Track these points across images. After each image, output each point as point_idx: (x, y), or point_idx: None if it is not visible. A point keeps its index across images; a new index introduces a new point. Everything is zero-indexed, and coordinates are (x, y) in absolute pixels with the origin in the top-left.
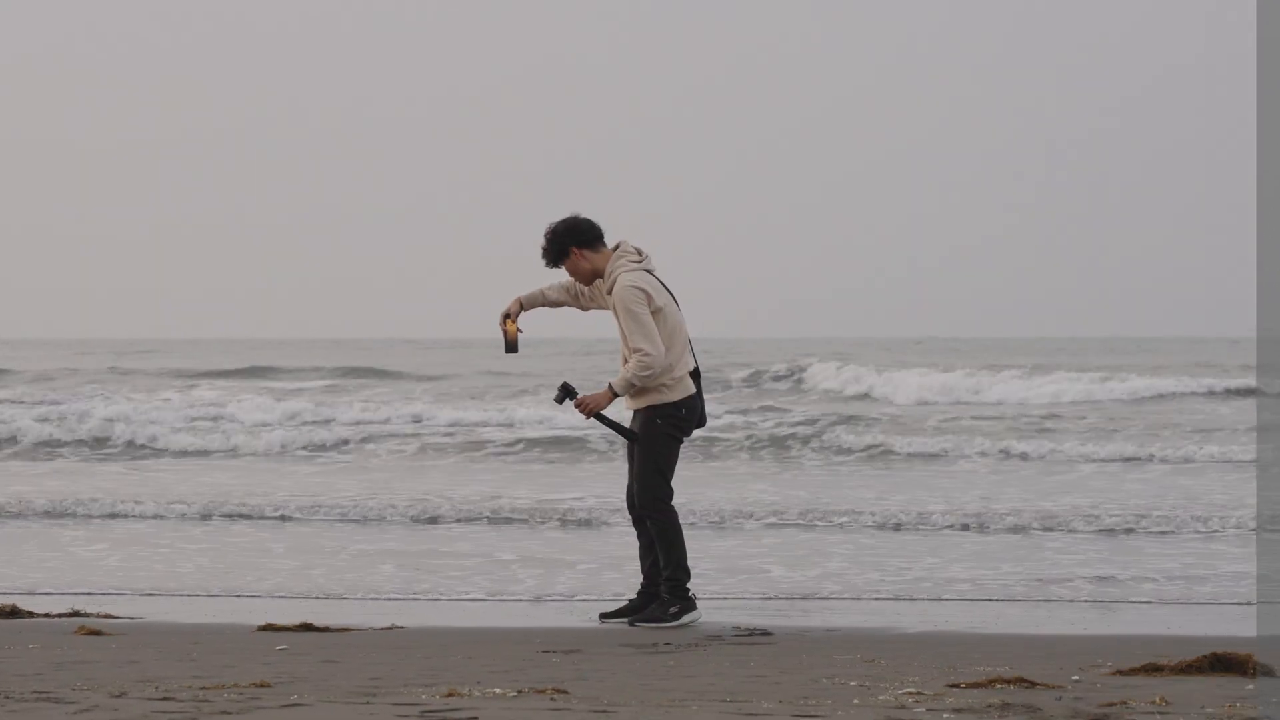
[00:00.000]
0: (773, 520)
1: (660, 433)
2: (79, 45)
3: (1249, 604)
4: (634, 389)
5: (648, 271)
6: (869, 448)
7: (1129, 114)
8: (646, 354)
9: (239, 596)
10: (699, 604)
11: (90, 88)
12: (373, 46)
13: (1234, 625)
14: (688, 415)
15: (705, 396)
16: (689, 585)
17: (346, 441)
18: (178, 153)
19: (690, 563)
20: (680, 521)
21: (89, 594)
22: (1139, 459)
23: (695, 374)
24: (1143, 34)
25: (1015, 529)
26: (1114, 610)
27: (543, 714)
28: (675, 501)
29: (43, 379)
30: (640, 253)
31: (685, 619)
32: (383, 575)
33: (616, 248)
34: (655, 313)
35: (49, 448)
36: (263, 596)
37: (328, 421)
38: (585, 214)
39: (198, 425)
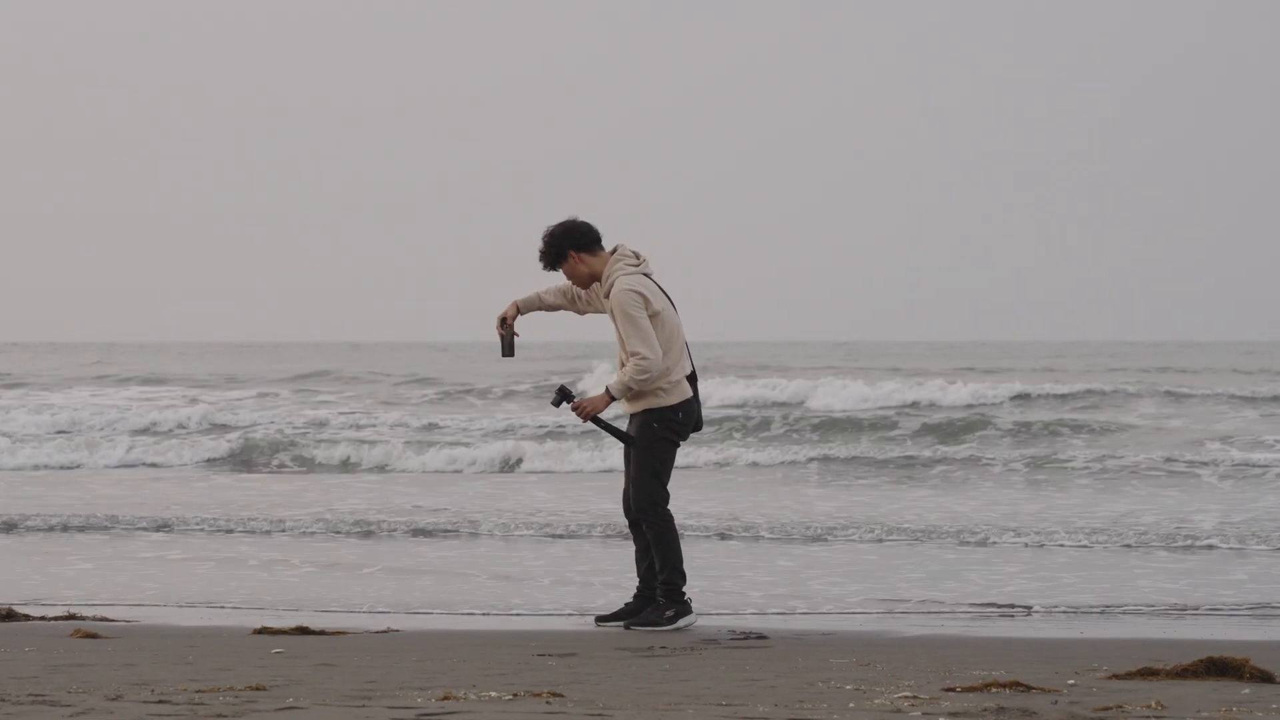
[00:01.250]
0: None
1: (657, 436)
2: (80, 45)
3: (1248, 612)
4: (631, 393)
5: (645, 275)
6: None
7: (1128, 113)
8: (644, 358)
9: (225, 608)
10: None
11: (91, 88)
12: (372, 45)
13: (1230, 629)
14: (684, 419)
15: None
16: (685, 589)
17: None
18: (179, 153)
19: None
20: (676, 526)
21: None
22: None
23: (692, 378)
24: (1141, 30)
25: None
26: (1109, 614)
27: (538, 717)
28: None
29: None
30: (638, 256)
31: (681, 623)
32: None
33: (614, 251)
34: (653, 317)
35: None
36: (245, 608)
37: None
38: (583, 217)
39: None
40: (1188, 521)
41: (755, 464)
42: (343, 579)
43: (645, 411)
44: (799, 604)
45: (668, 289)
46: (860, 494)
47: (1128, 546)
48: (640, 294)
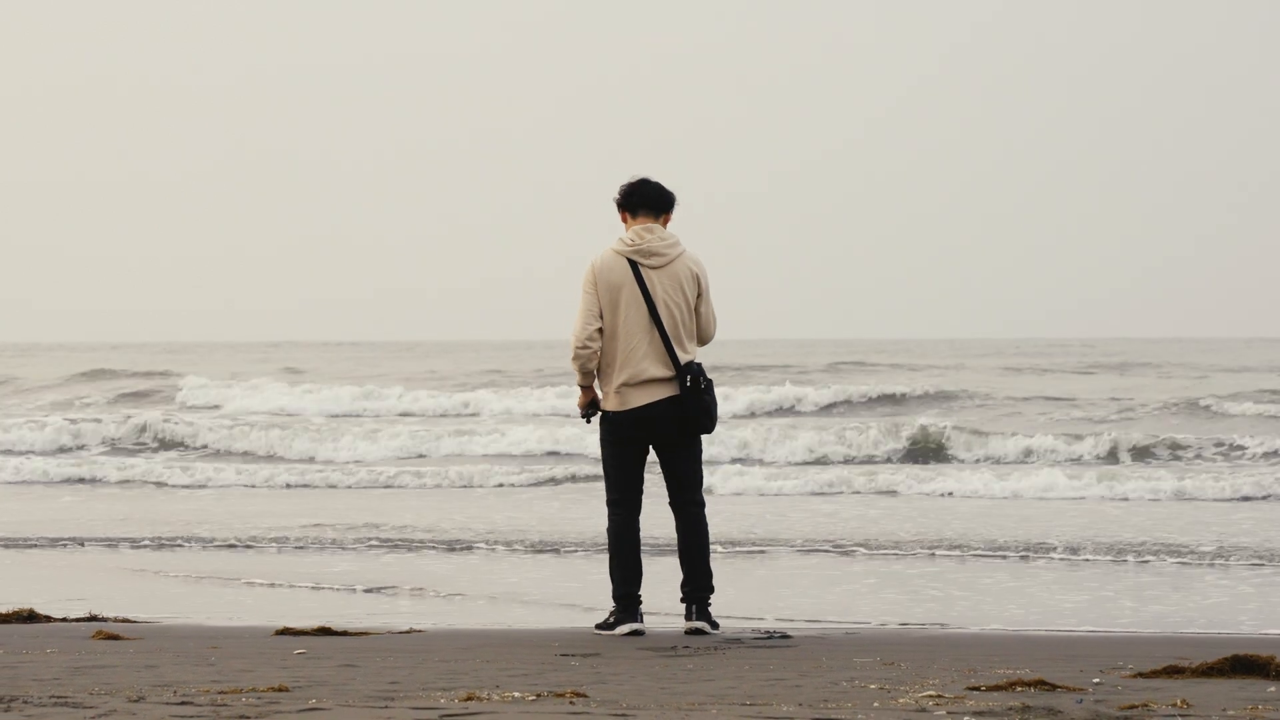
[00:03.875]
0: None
1: (601, 437)
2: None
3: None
4: (578, 373)
5: (630, 260)
6: None
7: (1131, 111)
8: (572, 336)
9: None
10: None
11: (111, 116)
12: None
13: (1255, 626)
14: (619, 422)
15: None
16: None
17: None
18: (208, 174)
19: None
20: (626, 536)
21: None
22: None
23: (681, 374)
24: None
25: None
26: (1135, 612)
27: (561, 718)
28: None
29: None
30: (633, 239)
31: (619, 630)
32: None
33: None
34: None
35: None
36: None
37: None
38: (661, 184)
39: None
40: None
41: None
42: None
43: None
44: None
45: (666, 285)
46: None
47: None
48: (590, 267)
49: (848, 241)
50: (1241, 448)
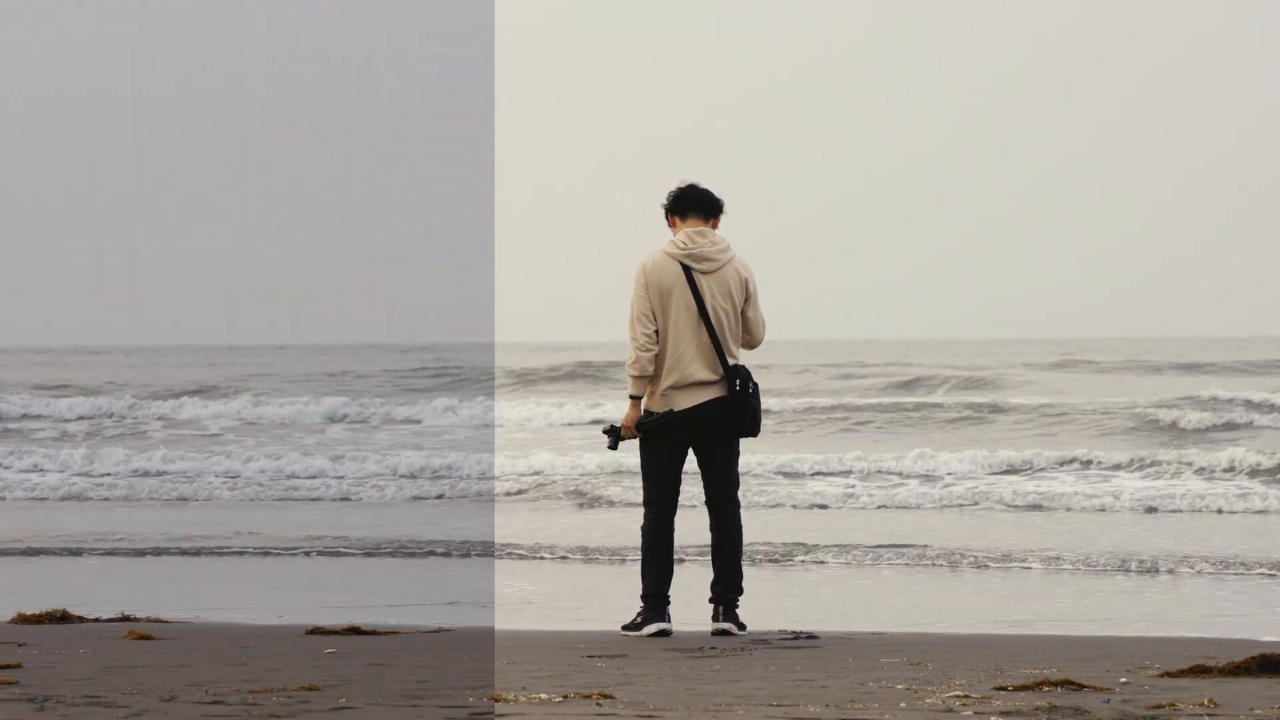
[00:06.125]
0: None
1: (643, 435)
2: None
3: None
4: (632, 382)
5: (681, 263)
6: None
7: (1133, 107)
8: (629, 339)
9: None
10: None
11: (122, 114)
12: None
13: None
14: (665, 423)
15: None
16: (670, 596)
17: None
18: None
19: None
20: (660, 535)
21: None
22: None
23: (731, 374)
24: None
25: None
26: (1162, 611)
27: (588, 719)
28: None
29: None
30: (685, 242)
31: (646, 630)
32: None
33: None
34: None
35: None
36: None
37: None
38: (706, 186)
39: None
40: None
41: None
42: None
43: None
44: None
45: (713, 288)
46: None
47: None
48: (641, 268)
49: (847, 241)
50: None
